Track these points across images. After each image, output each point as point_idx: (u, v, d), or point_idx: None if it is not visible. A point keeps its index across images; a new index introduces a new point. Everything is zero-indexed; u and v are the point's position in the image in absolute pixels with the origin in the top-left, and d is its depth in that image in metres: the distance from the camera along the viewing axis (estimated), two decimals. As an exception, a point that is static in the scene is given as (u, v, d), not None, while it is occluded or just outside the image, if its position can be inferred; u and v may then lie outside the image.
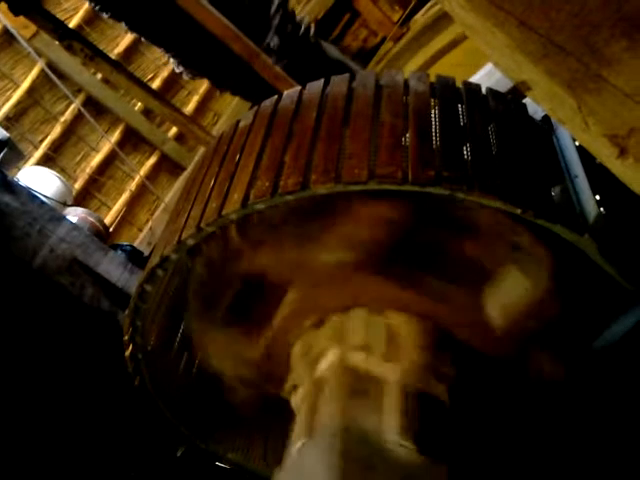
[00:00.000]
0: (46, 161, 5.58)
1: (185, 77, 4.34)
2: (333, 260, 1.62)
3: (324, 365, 1.59)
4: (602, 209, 1.46)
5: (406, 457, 1.37)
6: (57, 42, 4.36)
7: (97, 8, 3.82)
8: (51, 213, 3.03)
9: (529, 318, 1.59)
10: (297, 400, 1.64)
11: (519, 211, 1.35)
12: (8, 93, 5.57)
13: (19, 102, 5.57)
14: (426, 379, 1.54)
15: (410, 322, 1.60)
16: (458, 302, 1.62)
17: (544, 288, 1.54)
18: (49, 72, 5.19)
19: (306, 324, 1.71)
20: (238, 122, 1.75)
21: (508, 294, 1.58)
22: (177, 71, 4.29)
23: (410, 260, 1.60)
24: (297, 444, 1.46)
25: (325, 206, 1.56)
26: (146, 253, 4.27)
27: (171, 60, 4.22)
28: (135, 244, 5.20)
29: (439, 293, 1.62)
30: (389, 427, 1.41)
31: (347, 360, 1.55)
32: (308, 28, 4.26)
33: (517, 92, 1.52)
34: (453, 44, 4.25)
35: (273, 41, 4.02)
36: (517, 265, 1.55)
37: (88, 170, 5.83)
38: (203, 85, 6.26)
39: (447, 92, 1.60)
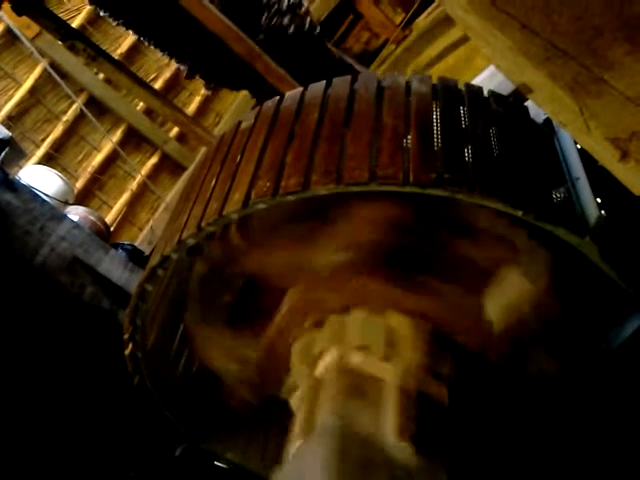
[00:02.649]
0: (48, 160, 5.58)
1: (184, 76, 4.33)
2: (333, 261, 1.62)
3: (323, 365, 1.60)
4: (603, 212, 1.46)
5: (403, 458, 1.37)
6: (60, 42, 4.36)
7: (101, 12, 3.83)
8: (52, 212, 3.03)
9: (528, 319, 1.59)
10: (296, 400, 1.64)
11: (520, 213, 1.35)
12: (10, 92, 5.57)
13: (21, 101, 5.58)
14: (425, 380, 1.54)
15: (409, 323, 1.60)
16: (457, 303, 1.62)
17: (543, 289, 1.54)
18: (52, 72, 5.19)
19: (306, 324, 1.71)
20: (240, 123, 1.76)
21: (507, 295, 1.58)
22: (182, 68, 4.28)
23: (410, 261, 1.61)
24: (295, 444, 1.46)
25: (326, 207, 1.56)
26: (147, 252, 4.27)
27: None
28: (136, 243, 5.20)
29: (438, 294, 1.62)
30: (386, 428, 1.41)
31: (346, 360, 1.55)
32: (313, 25, 4.25)
33: (519, 95, 1.52)
34: (455, 46, 4.25)
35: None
36: (516, 266, 1.55)
37: (89, 169, 5.83)
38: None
39: (449, 94, 1.60)
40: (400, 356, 1.55)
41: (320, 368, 1.59)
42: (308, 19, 4.16)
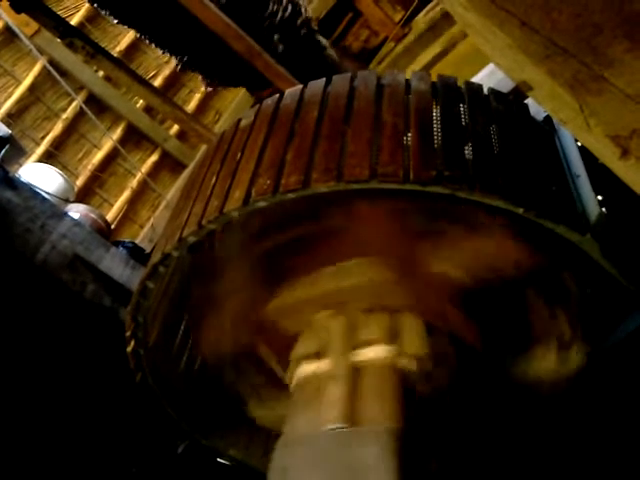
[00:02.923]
0: (48, 158, 5.58)
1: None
2: (426, 265, 1.63)
3: (371, 355, 1.57)
4: (604, 209, 1.47)
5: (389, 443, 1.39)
6: (59, 39, 4.36)
7: (98, 8, 3.83)
8: (53, 209, 3.03)
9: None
10: (319, 370, 1.60)
11: (521, 211, 1.35)
12: (10, 90, 5.57)
13: (21, 99, 5.57)
14: (425, 371, 1.56)
15: (416, 321, 1.62)
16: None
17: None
18: (51, 69, 5.19)
19: (351, 307, 1.68)
20: (240, 120, 1.76)
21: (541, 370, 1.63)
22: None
23: (484, 297, 1.62)
24: (330, 424, 1.42)
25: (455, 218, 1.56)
26: (148, 250, 4.27)
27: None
28: (137, 241, 5.20)
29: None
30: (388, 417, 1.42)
31: (397, 363, 1.55)
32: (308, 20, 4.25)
33: (519, 92, 1.52)
34: (455, 44, 4.25)
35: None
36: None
37: (90, 167, 5.83)
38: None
39: (449, 92, 1.60)
40: (403, 350, 1.56)
41: (365, 356, 1.57)
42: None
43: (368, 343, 1.58)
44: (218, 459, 2.14)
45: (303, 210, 1.61)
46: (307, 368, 1.62)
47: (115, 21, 3.95)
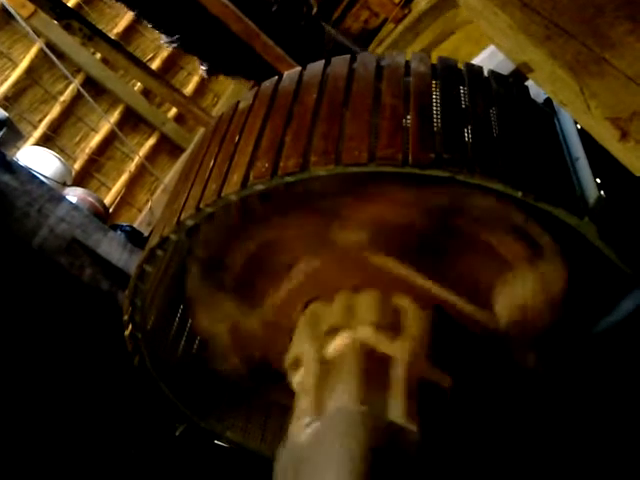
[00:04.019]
0: (45, 141, 5.55)
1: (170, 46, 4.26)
2: (352, 239, 1.61)
3: (334, 345, 1.58)
4: (602, 192, 1.46)
5: (410, 440, 1.38)
6: (55, 21, 4.32)
7: None
8: (50, 193, 3.02)
9: (533, 318, 1.60)
10: (301, 377, 1.62)
11: (520, 194, 1.35)
12: (6, 73, 5.53)
13: (17, 82, 5.53)
14: (428, 364, 1.54)
15: (418, 306, 1.61)
16: (469, 292, 1.63)
17: (557, 293, 1.55)
18: (48, 52, 5.15)
19: (314, 299, 1.70)
20: (238, 103, 1.75)
21: (519, 295, 1.59)
22: (165, 43, 4.24)
23: (427, 247, 1.60)
24: (305, 421, 1.44)
25: (357, 185, 1.54)
26: (146, 234, 4.27)
27: (163, 37, 4.16)
28: (135, 225, 5.20)
29: (451, 281, 1.63)
30: (396, 410, 1.41)
31: (359, 342, 1.55)
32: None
33: (519, 74, 1.51)
34: (455, 25, 4.22)
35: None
36: (533, 267, 1.56)
37: (87, 150, 5.80)
38: (203, 66, 6.21)
39: (449, 74, 1.59)
40: (408, 337, 1.55)
41: (331, 348, 1.58)
42: None
43: (331, 332, 1.60)
44: (216, 441, 2.15)
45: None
46: (296, 376, 1.64)
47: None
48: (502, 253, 1.58)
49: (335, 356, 1.56)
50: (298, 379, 1.63)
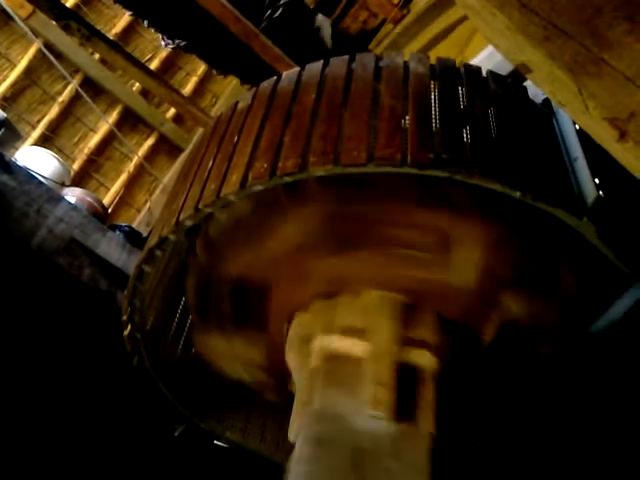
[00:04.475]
0: (44, 141, 5.56)
1: (170, 47, 4.26)
2: (293, 246, 1.63)
3: (314, 355, 1.61)
4: (601, 192, 1.46)
5: (378, 426, 1.39)
6: (54, 22, 4.31)
7: None
8: (49, 193, 3.02)
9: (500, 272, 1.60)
10: (293, 388, 1.68)
11: (518, 194, 1.35)
12: (5, 73, 5.53)
13: (16, 82, 5.53)
14: (402, 349, 1.54)
15: (382, 297, 1.61)
16: (426, 272, 1.63)
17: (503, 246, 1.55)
18: (46, 52, 5.15)
19: (295, 313, 1.73)
20: (237, 103, 1.74)
21: (468, 258, 1.59)
22: (163, 44, 4.24)
23: (360, 235, 1.61)
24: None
25: (278, 197, 1.57)
26: (144, 234, 4.27)
27: (160, 37, 4.16)
28: (133, 225, 5.20)
29: (408, 264, 1.62)
30: (363, 401, 1.43)
31: (327, 347, 1.58)
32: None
33: (518, 75, 1.51)
34: (454, 26, 4.22)
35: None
36: (468, 228, 1.56)
37: (86, 151, 5.80)
38: (202, 66, 6.21)
39: (447, 74, 1.59)
40: (375, 331, 1.56)
41: (312, 357, 1.61)
42: None
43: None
44: (215, 442, 2.15)
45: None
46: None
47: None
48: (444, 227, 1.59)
49: (313, 366, 1.59)
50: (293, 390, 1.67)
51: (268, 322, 1.79)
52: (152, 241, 1.64)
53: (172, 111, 6.13)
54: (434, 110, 1.48)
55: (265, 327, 1.80)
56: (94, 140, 5.85)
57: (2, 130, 3.48)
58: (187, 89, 6.25)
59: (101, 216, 4.27)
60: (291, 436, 1.51)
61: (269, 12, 4.02)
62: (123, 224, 4.47)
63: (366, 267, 1.63)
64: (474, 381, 1.72)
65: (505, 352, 1.72)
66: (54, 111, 5.68)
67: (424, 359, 1.56)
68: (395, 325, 1.57)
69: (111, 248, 3.06)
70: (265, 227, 1.64)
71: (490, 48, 2.02)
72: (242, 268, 1.72)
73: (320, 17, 4.57)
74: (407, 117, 1.44)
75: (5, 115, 3.64)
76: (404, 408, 1.45)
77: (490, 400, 1.81)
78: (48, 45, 5.43)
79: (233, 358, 1.88)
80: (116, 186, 5.94)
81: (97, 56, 5.66)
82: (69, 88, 5.68)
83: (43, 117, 5.65)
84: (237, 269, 1.72)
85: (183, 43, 4.16)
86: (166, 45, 4.24)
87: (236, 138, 1.59)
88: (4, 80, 5.50)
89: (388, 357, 1.52)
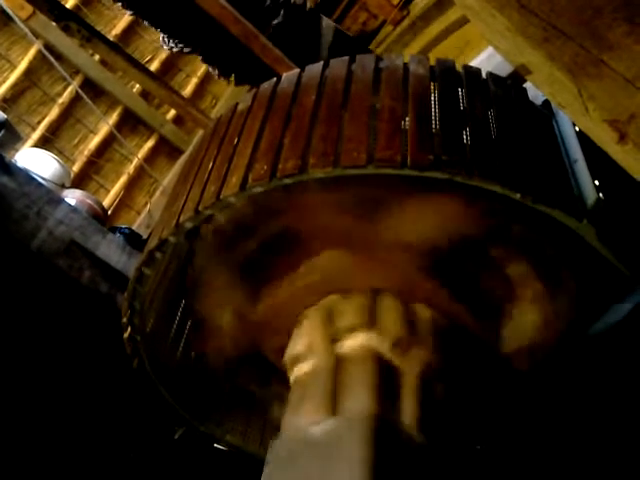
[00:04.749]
0: (44, 143, 5.55)
1: (174, 50, 4.26)
2: (387, 241, 1.60)
3: (352, 344, 1.56)
4: (601, 194, 1.46)
5: (422, 447, 1.39)
6: (54, 23, 4.32)
7: None
8: (49, 195, 3.02)
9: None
10: (308, 372, 1.59)
11: (518, 196, 1.35)
12: (5, 74, 5.53)
13: (16, 83, 5.53)
14: (438, 370, 1.54)
15: (432, 316, 1.61)
16: (482, 313, 1.64)
17: (566, 322, 1.57)
18: (46, 53, 5.15)
19: (330, 295, 1.67)
20: (236, 105, 1.74)
21: (528, 326, 1.62)
22: (165, 47, 4.24)
23: (454, 263, 1.61)
24: (316, 417, 1.43)
25: (415, 188, 1.52)
26: (144, 236, 4.27)
27: (161, 37, 4.16)
28: (133, 227, 5.19)
29: (467, 299, 1.63)
30: (408, 418, 1.42)
31: (379, 351, 1.53)
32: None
33: (517, 76, 1.51)
34: (453, 27, 4.22)
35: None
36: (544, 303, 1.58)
37: (86, 152, 5.81)
38: (202, 68, 6.22)
39: (447, 76, 1.59)
40: (421, 349, 1.55)
41: (347, 347, 1.56)
42: None
43: (348, 330, 1.58)
44: (215, 445, 2.14)
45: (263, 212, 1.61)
46: (300, 368, 1.62)
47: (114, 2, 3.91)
48: (520, 288, 1.60)
49: (351, 357, 1.54)
50: (303, 370, 1.60)
51: (286, 284, 1.73)
52: (152, 243, 1.64)
53: (172, 112, 6.13)
54: (434, 111, 1.48)
55: (277, 287, 1.74)
56: (94, 142, 5.85)
57: (2, 132, 3.48)
58: (187, 90, 6.25)
59: (101, 218, 4.27)
60: (316, 414, 1.45)
61: (272, 18, 4.01)
62: (123, 226, 4.47)
63: (436, 291, 1.63)
64: (472, 384, 1.72)
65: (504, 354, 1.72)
66: (54, 112, 5.68)
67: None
68: (439, 350, 1.57)
69: (111, 250, 3.06)
70: (375, 210, 1.59)
71: (490, 49, 2.02)
72: (308, 225, 1.65)
73: (325, 22, 4.55)
74: (407, 118, 1.44)
75: (5, 116, 3.64)
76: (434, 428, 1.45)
77: (489, 403, 1.80)
78: (48, 46, 5.43)
79: (226, 301, 1.81)
80: (116, 188, 5.94)
81: (97, 57, 5.67)
82: (69, 89, 5.69)
83: (43, 118, 5.65)
84: (302, 223, 1.65)
85: (187, 49, 4.17)
86: (170, 49, 4.24)
87: (236, 140, 1.59)
88: (4, 81, 5.50)
89: (429, 374, 1.53)
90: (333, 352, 1.57)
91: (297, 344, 1.66)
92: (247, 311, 1.79)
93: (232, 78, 4.52)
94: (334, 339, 1.59)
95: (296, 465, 1.38)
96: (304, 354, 1.62)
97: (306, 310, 1.70)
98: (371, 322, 1.58)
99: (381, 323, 1.58)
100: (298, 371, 1.62)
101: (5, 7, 4.85)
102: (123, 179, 5.98)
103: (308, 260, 1.68)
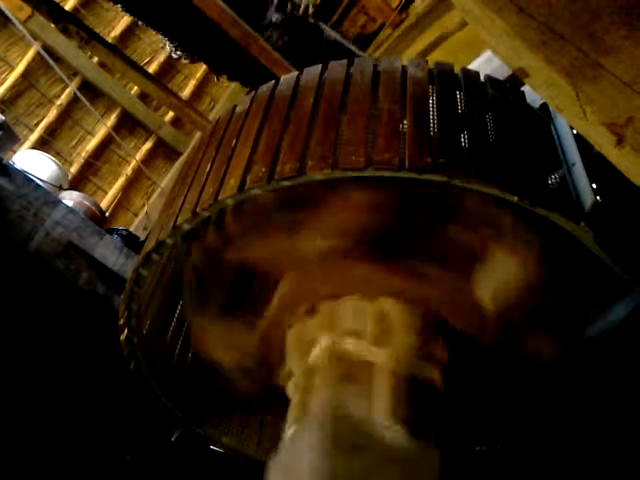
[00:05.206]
0: (41, 145, 5.55)
1: (184, 61, 4.30)
2: (323, 247, 1.62)
3: (315, 352, 1.61)
4: (598, 197, 1.46)
5: (396, 440, 1.39)
6: (52, 25, 4.32)
7: None
8: (46, 197, 3.02)
9: (519, 301, 1.60)
10: (291, 387, 1.66)
11: (516, 199, 1.35)
12: (3, 76, 5.53)
13: (14, 85, 5.53)
14: (417, 363, 1.54)
15: (400, 307, 1.61)
16: (448, 286, 1.63)
17: (533, 272, 1.55)
18: (45, 55, 5.14)
19: (299, 312, 1.71)
20: (235, 107, 1.74)
21: (496, 276, 1.59)
22: (174, 57, 4.26)
23: (400, 246, 1.61)
24: (289, 430, 1.48)
25: (315, 193, 1.55)
26: (142, 238, 4.26)
27: (167, 45, 4.18)
28: (131, 229, 5.18)
29: (429, 278, 1.62)
30: (378, 410, 1.43)
31: (337, 346, 1.57)
32: (307, 8, 4.22)
33: (515, 79, 1.52)
34: (452, 30, 4.23)
35: (274, 17, 3.98)
36: (503, 247, 1.55)
37: (84, 154, 5.80)
38: (200, 69, 6.22)
39: (445, 79, 1.59)
40: (392, 340, 1.56)
41: (313, 355, 1.60)
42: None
43: (312, 341, 1.62)
44: (212, 447, 2.14)
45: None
46: (289, 386, 1.66)
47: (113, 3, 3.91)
48: (471, 242, 1.59)
49: (315, 364, 1.58)
50: (289, 390, 1.66)
51: (267, 312, 1.78)
52: (149, 245, 1.64)
53: (170, 114, 6.13)
54: (432, 114, 1.48)
55: (262, 316, 1.79)
56: (92, 143, 5.85)
57: (0, 133, 3.47)
58: (185, 92, 6.25)
59: (98, 220, 4.26)
60: (290, 424, 1.51)
61: (271, 30, 4.02)
62: (121, 228, 4.46)
63: (392, 277, 1.62)
64: (474, 387, 1.72)
65: (505, 357, 1.71)
66: (52, 114, 5.67)
67: (435, 375, 1.56)
68: (415, 338, 1.56)
69: (108, 252, 3.06)
70: (294, 222, 1.63)
71: (488, 52, 2.02)
72: (255, 254, 1.71)
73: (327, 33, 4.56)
74: (405, 121, 1.44)
75: (3, 118, 3.63)
76: (419, 424, 1.45)
77: (490, 405, 1.80)
78: (46, 48, 5.43)
79: (220, 340, 1.87)
80: (114, 190, 5.94)
81: (95, 59, 5.67)
82: (67, 91, 5.68)
83: (41, 120, 5.65)
84: (250, 253, 1.71)
85: (194, 57, 4.17)
86: (178, 58, 4.25)
87: (234, 142, 1.59)
88: (2, 83, 5.50)
89: (406, 370, 1.52)
90: (304, 366, 1.62)
91: (283, 367, 1.72)
92: (244, 343, 1.84)
93: (228, 77, 4.53)
94: (304, 353, 1.63)
95: (279, 464, 1.45)
96: (290, 374, 1.68)
97: (287, 331, 1.74)
98: (330, 325, 1.62)
99: (337, 324, 1.61)
100: (288, 391, 1.67)
101: (3, 8, 4.84)
102: (121, 181, 5.98)
103: (279, 283, 1.73)
